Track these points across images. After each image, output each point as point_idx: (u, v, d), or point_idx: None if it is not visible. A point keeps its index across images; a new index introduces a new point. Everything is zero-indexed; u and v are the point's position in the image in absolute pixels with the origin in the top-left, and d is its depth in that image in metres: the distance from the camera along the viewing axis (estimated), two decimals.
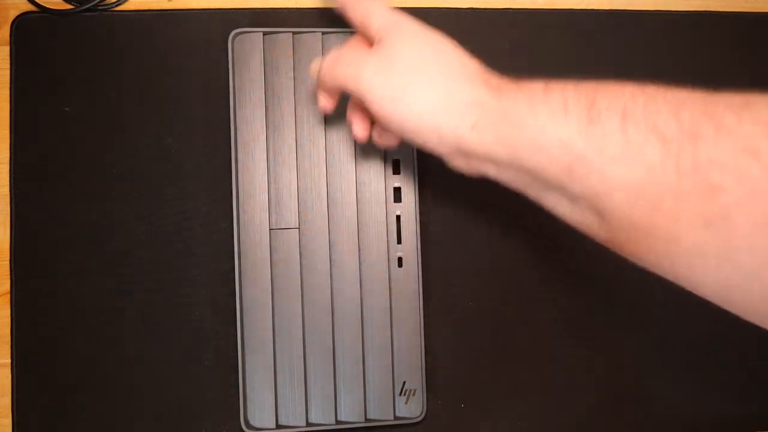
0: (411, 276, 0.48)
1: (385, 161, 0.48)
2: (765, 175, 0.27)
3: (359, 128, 0.42)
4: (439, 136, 0.35)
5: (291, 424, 0.46)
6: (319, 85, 0.42)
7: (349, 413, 0.47)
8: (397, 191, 0.49)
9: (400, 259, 0.48)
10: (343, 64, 0.38)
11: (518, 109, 0.33)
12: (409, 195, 0.48)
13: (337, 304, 0.47)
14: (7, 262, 0.48)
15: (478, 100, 0.34)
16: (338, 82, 0.39)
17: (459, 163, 0.37)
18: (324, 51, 0.48)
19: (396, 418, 0.47)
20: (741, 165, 0.28)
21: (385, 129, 0.39)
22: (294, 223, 0.47)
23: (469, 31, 0.51)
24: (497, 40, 0.51)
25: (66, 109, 0.48)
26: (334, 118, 0.48)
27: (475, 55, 0.51)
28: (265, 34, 0.48)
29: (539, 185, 0.34)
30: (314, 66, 0.42)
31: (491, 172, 0.36)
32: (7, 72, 0.48)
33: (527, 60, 0.52)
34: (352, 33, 0.48)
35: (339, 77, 0.38)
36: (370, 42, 0.40)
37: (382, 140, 0.43)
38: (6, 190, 0.48)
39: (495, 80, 0.36)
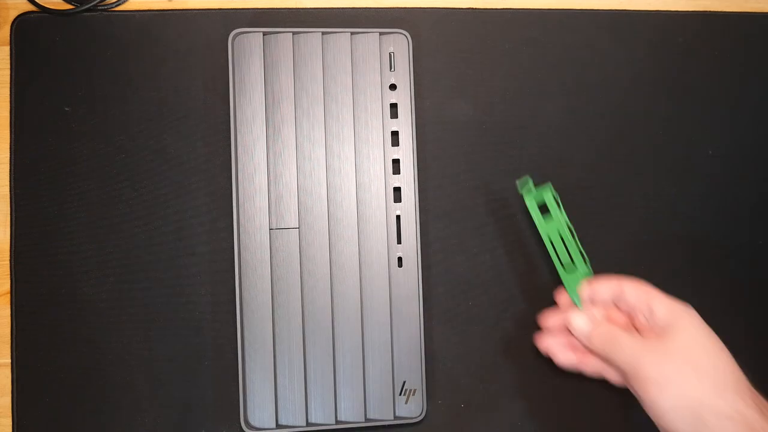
0: (411, 276, 0.48)
1: (385, 161, 0.48)
2: None
3: (567, 359, 0.46)
4: (691, 427, 0.38)
5: (291, 424, 0.46)
6: (584, 344, 0.45)
7: (349, 413, 0.47)
8: (397, 191, 0.49)
9: (400, 259, 0.48)
10: (622, 347, 0.42)
11: None
12: (409, 195, 0.48)
13: (337, 304, 0.47)
14: (7, 262, 0.48)
15: (746, 418, 0.37)
16: (612, 358, 0.42)
17: None
18: (324, 51, 0.48)
19: (396, 418, 0.47)
20: None
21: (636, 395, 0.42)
22: (294, 223, 0.47)
23: (469, 31, 0.51)
24: (497, 40, 0.51)
25: (66, 109, 0.48)
26: (334, 117, 0.48)
27: (475, 55, 0.51)
28: (265, 34, 0.48)
29: None
30: (579, 325, 0.45)
31: None
32: (7, 72, 0.48)
33: (527, 60, 0.52)
34: (352, 33, 0.48)
35: (616, 358, 0.42)
36: (628, 318, 0.45)
37: (586, 367, 0.46)
38: (6, 190, 0.48)
39: (764, 403, 0.38)
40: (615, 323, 0.45)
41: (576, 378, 0.50)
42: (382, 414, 0.47)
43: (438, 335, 0.50)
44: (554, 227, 0.47)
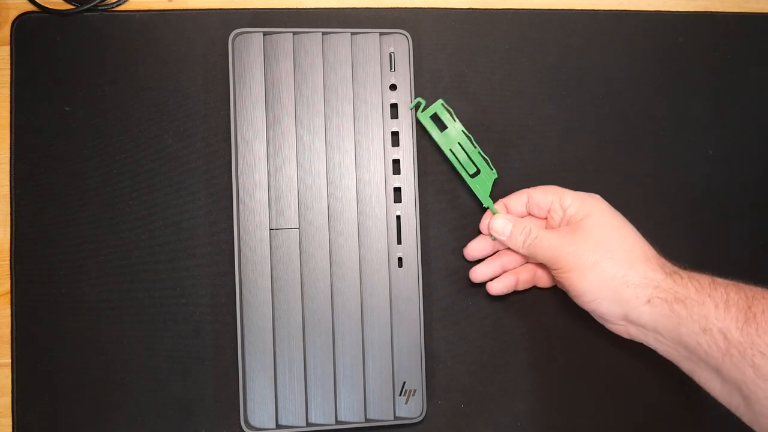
0: (411, 276, 0.48)
1: (385, 161, 0.48)
2: None
3: (503, 284, 0.49)
4: (615, 304, 0.42)
5: (291, 424, 0.46)
6: (508, 245, 0.47)
7: (349, 413, 0.47)
8: (397, 191, 0.49)
9: (400, 259, 0.48)
10: (542, 242, 0.45)
11: (688, 295, 0.40)
12: (409, 195, 0.48)
13: (337, 304, 0.47)
14: (7, 262, 0.48)
15: (654, 281, 0.41)
16: (535, 255, 0.45)
17: (618, 328, 0.44)
18: (324, 51, 0.48)
19: (396, 418, 0.47)
20: None
21: (562, 287, 0.46)
22: (294, 223, 0.47)
23: (469, 31, 0.51)
24: (497, 40, 0.51)
25: (66, 109, 0.48)
26: (334, 117, 0.48)
27: (475, 55, 0.51)
28: (265, 34, 0.48)
29: (695, 362, 0.40)
30: (500, 226, 0.47)
31: (649, 340, 0.43)
32: (7, 72, 0.48)
33: (527, 60, 0.52)
34: (352, 33, 0.48)
35: (538, 254, 0.45)
36: (546, 222, 0.48)
37: (520, 283, 0.49)
38: (6, 190, 0.48)
39: (669, 266, 0.43)
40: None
41: (576, 377, 0.50)
42: (382, 414, 0.47)
43: (438, 335, 0.50)
44: (453, 139, 0.48)
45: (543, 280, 0.49)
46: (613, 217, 0.45)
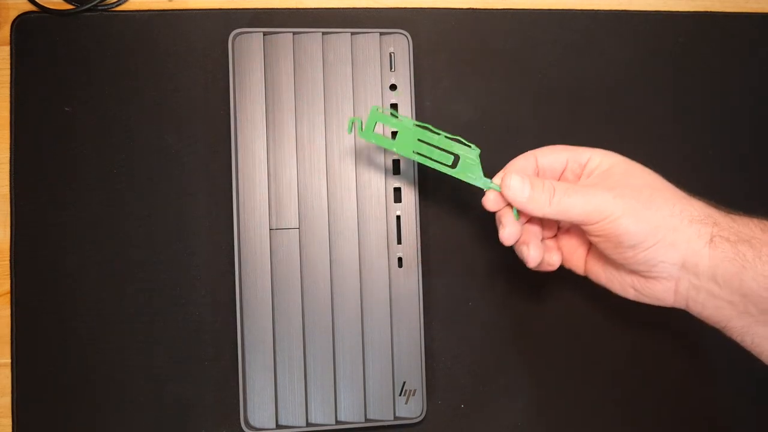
0: (411, 276, 0.48)
1: (385, 161, 0.48)
2: None
3: (536, 254, 0.42)
4: (674, 247, 0.36)
5: (291, 424, 0.46)
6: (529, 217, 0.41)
7: (349, 413, 0.47)
8: (397, 191, 0.49)
9: (400, 259, 0.48)
10: (579, 198, 0.37)
11: (754, 234, 0.35)
12: (409, 195, 0.48)
13: (337, 304, 0.47)
14: (7, 262, 0.48)
15: (711, 217, 0.36)
16: (573, 214, 0.37)
17: (665, 285, 0.37)
18: (324, 51, 0.48)
19: (396, 418, 0.47)
20: None
21: (606, 248, 0.38)
22: (294, 223, 0.47)
23: (469, 31, 0.51)
24: (497, 40, 0.51)
25: (66, 109, 0.48)
26: (334, 117, 0.48)
27: (475, 55, 0.51)
28: (265, 34, 0.48)
29: (752, 316, 0.35)
30: (516, 185, 0.39)
31: (700, 296, 0.36)
32: (7, 72, 0.48)
33: (527, 60, 0.52)
34: (352, 33, 0.48)
35: (576, 210, 0.37)
36: (555, 179, 0.41)
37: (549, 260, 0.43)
38: (6, 190, 0.48)
39: (721, 207, 0.37)
40: None
41: (576, 377, 0.50)
42: (382, 414, 0.47)
43: (438, 335, 0.50)
44: (411, 140, 0.41)
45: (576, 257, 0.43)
46: (640, 165, 0.39)
